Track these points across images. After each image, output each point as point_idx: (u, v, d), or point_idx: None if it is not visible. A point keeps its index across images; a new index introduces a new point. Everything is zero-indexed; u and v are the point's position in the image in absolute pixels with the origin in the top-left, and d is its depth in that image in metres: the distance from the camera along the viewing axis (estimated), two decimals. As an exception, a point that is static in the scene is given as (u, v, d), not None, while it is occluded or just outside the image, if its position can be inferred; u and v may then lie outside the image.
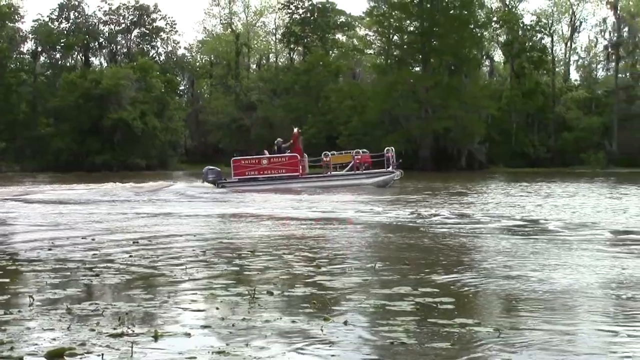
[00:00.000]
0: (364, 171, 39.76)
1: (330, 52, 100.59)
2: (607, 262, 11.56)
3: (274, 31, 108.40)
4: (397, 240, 15.04)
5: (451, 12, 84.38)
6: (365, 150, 42.39)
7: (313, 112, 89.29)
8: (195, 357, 6.10)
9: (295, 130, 41.96)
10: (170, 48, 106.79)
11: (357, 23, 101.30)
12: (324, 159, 41.42)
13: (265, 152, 40.83)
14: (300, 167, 38.93)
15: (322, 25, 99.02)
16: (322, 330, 7.01)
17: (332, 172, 39.88)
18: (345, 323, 7.28)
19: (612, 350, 6.35)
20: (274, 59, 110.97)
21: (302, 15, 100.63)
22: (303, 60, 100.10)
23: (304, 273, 10.39)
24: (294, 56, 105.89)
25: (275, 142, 40.77)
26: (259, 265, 11.18)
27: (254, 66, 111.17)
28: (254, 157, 41.61)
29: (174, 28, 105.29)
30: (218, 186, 37.52)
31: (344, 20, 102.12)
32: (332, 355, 6.17)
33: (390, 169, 39.67)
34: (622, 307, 8.26)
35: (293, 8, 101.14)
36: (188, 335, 6.87)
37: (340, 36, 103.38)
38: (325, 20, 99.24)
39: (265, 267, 11.00)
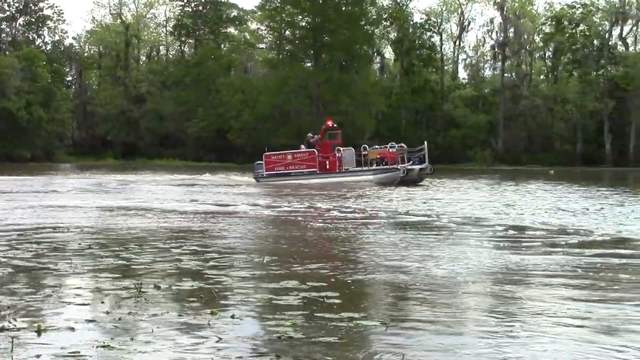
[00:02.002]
0: (372, 167, 39.28)
1: (222, 45, 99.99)
2: (491, 255, 11.84)
3: (164, 23, 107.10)
4: (286, 234, 15.07)
5: (343, 8, 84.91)
6: (402, 144, 42.40)
7: (204, 105, 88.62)
8: (79, 352, 5.97)
9: (330, 123, 42.10)
10: (57, 38, 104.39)
11: (249, 17, 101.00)
12: (363, 152, 40.80)
13: (302, 146, 41.64)
14: (328, 162, 39.53)
15: (214, 19, 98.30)
16: (209, 324, 6.96)
17: (354, 167, 39.82)
18: (233, 317, 7.25)
19: (497, 346, 6.48)
20: (165, 51, 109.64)
21: (193, 8, 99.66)
22: (194, 53, 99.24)
23: (192, 267, 10.31)
24: (185, 49, 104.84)
25: (307, 136, 42.06)
26: (147, 258, 11.03)
27: (144, 58, 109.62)
28: (281, 152, 42.26)
29: (62, 17, 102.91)
30: (257, 180, 40.01)
31: (236, 14, 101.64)
32: (219, 349, 6.14)
33: (396, 165, 38.67)
34: (501, 297, 8.47)
35: (185, 1, 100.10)
36: (72, 329, 6.72)
37: (232, 30, 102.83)
38: (217, 13, 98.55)
39: (152, 260, 10.87)
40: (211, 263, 10.65)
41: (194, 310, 7.58)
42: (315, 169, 39.09)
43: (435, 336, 6.66)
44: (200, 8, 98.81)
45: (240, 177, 43.07)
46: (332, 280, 9.40)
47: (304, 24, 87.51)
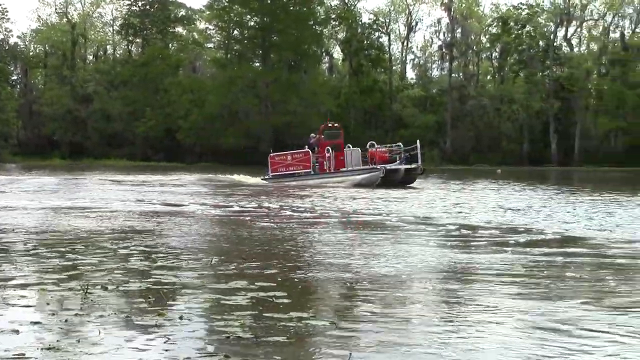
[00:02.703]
0: (357, 168, 37.80)
1: (170, 45, 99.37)
2: (438, 253, 11.93)
3: (111, 22, 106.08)
4: (235, 234, 15.01)
5: (291, 8, 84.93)
6: (399, 144, 40.07)
7: (152, 105, 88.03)
8: (24, 354, 5.89)
9: (332, 124, 40.89)
10: (1, 36, 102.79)
11: (197, 16, 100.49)
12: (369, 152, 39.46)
13: (306, 146, 40.22)
14: (329, 162, 38.16)
15: (162, 18, 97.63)
16: (157, 325, 6.92)
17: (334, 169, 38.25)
18: (181, 318, 7.21)
19: (443, 344, 6.53)
20: (112, 51, 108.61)
21: (140, 7, 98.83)
22: (142, 52, 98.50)
23: (140, 267, 10.23)
24: (132, 48, 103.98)
25: (309, 136, 40.99)
26: (93, 259, 10.92)
27: (91, 57, 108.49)
28: (283, 153, 41.27)
29: (6, 15, 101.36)
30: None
31: (184, 14, 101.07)
32: (167, 350, 6.10)
33: (376, 165, 36.73)
34: (447, 295, 8.53)
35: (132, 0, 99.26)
36: (16, 332, 6.63)
37: (180, 29, 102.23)
38: (164, 13, 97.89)
39: (99, 261, 10.76)
40: (159, 263, 10.58)
41: (142, 311, 7.52)
42: (310, 170, 38.17)
43: (383, 335, 6.68)
44: (148, 7, 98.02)
45: (251, 179, 41.85)
46: (281, 279, 9.40)
47: (252, 23, 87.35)
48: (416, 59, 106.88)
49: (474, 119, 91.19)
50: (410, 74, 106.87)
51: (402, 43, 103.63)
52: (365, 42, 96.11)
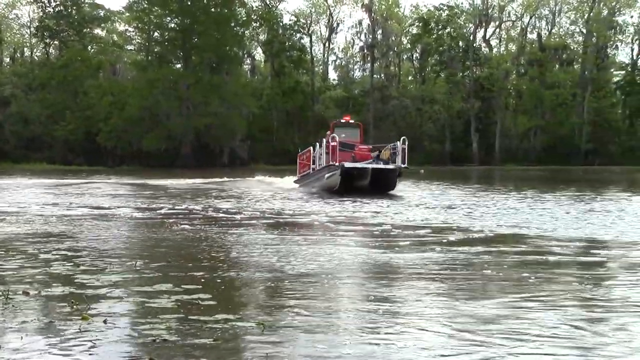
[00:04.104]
0: (321, 167, 32.22)
1: (89, 47, 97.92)
2: (365, 253, 11.98)
3: (28, 24, 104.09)
4: (160, 236, 14.85)
5: (212, 10, 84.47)
6: (395, 144, 32.83)
7: (71, 108, 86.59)
8: (-58, 363, 5.75)
9: (347, 120, 36.84)
10: None
11: (116, 18, 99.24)
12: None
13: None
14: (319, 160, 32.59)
15: (78, 20, 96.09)
16: (80, 329, 6.80)
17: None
18: (105, 322, 7.10)
19: (366, 343, 6.55)
20: (30, 53, 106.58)
21: (54, 9, 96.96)
22: (60, 55, 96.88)
23: (62, 272, 10.04)
24: (50, 51, 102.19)
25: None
26: (14, 264, 10.69)
27: (8, 60, 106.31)
28: (304, 151, 36.84)
29: None
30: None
31: (102, 15, 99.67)
32: (92, 355, 6.00)
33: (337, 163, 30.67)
34: (372, 295, 8.57)
35: (45, 1, 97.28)
36: None
37: (99, 31, 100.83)
38: (81, 14, 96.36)
39: (20, 266, 10.53)
40: (82, 267, 10.41)
41: (65, 316, 7.39)
42: (310, 170, 33.86)
43: (308, 335, 6.68)
44: (62, 8, 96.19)
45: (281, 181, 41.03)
46: (205, 281, 9.34)
47: (172, 25, 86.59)
48: (338, 60, 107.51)
49: (396, 119, 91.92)
50: (332, 75, 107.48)
51: (324, 44, 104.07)
52: (286, 43, 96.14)
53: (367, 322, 7.22)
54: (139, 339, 6.51)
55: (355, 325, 7.11)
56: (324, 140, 31.90)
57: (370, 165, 30.27)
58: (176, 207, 22.65)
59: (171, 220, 18.29)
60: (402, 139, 31.27)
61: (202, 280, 9.43)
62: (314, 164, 33.13)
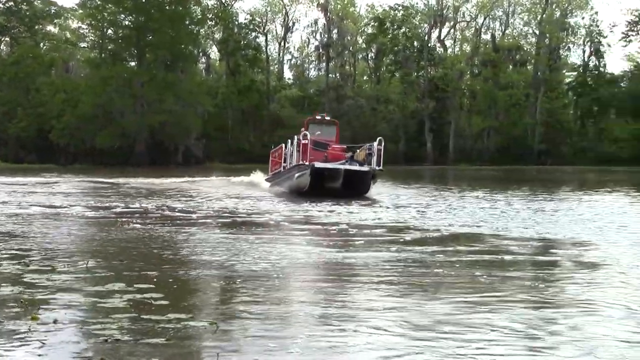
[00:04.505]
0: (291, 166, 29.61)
1: (42, 44, 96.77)
2: (319, 251, 11.98)
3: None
4: (111, 235, 14.71)
5: (167, 7, 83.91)
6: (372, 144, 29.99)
7: (23, 105, 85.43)
8: None
9: (322, 116, 34.08)
10: None
11: (69, 15, 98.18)
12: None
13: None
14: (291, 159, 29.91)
15: (30, 16, 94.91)
16: (30, 330, 6.70)
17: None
18: (55, 322, 7.01)
19: (318, 341, 6.54)
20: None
21: (5, 5, 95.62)
22: (11, 52, 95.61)
23: (12, 271, 9.90)
24: (1, 47, 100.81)
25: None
26: (-38, 264, 10.52)
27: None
28: (276, 148, 34.20)
29: None
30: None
31: (54, 12, 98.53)
32: (41, 356, 5.92)
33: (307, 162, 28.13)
34: (325, 293, 8.57)
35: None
36: None
37: (51, 28, 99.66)
38: (32, 10, 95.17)
39: (-31, 266, 10.37)
40: (32, 267, 10.27)
41: (14, 316, 7.28)
42: (280, 169, 31.34)
43: (260, 333, 6.66)
44: (12, 4, 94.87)
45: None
46: (158, 280, 9.27)
47: (127, 23, 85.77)
48: (293, 59, 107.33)
49: (351, 118, 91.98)
50: (288, 74, 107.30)
51: (279, 43, 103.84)
52: (242, 42, 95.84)
53: (320, 321, 7.21)
54: (90, 339, 6.44)
55: (307, 324, 7.10)
56: (296, 137, 29.96)
57: (342, 167, 27.94)
58: (130, 206, 22.46)
59: (124, 219, 18.13)
60: (378, 139, 29.30)
61: (155, 279, 9.36)
62: (285, 162, 30.78)
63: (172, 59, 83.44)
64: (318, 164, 27.56)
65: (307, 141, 28.74)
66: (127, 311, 7.49)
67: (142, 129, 78.61)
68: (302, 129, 31.36)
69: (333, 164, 28.34)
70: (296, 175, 28.60)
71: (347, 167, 27.94)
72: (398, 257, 11.57)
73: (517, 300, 8.37)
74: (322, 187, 27.56)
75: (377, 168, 28.44)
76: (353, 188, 27.49)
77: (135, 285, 8.78)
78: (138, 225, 16.48)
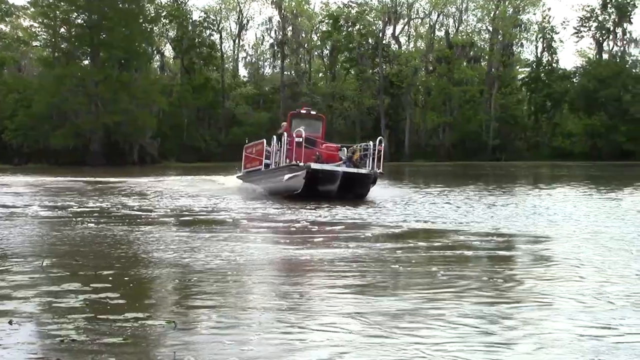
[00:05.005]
0: (282, 166, 26.53)
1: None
2: (274, 248, 11.98)
3: None
4: (67, 235, 14.56)
5: (120, 5, 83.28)
6: (368, 143, 27.21)
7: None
8: None
9: (308, 110, 31.09)
10: None
11: (21, 13, 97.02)
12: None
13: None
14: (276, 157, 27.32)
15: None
16: (-16, 331, 6.63)
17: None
18: (11, 322, 6.94)
19: (277, 339, 6.54)
20: None
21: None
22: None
23: (-35, 273, 9.78)
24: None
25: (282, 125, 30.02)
26: None
27: None
28: (254, 143, 31.07)
29: None
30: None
31: (5, 10, 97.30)
32: (-3, 357, 5.85)
33: (302, 162, 25.60)
34: (283, 291, 8.57)
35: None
36: None
37: (2, 26, 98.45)
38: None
39: None
40: (-15, 268, 10.15)
41: (-33, 317, 7.19)
42: (261, 167, 28.37)
43: (218, 331, 6.65)
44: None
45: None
46: (115, 280, 9.20)
47: (80, 21, 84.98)
48: (248, 57, 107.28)
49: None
50: (243, 72, 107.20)
51: (234, 41, 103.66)
52: (196, 40, 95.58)
53: (277, 318, 7.21)
54: (46, 340, 6.38)
55: (264, 321, 7.09)
56: (282, 132, 27.86)
57: (341, 169, 25.60)
58: (85, 205, 22.26)
59: (80, 219, 17.96)
60: (378, 139, 26.75)
61: (111, 278, 9.29)
62: (267, 159, 27.97)
63: (126, 57, 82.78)
64: (315, 166, 25.28)
65: (301, 139, 26.38)
66: (83, 311, 7.43)
67: (97, 129, 77.96)
68: (283, 123, 29.27)
69: (330, 165, 26.17)
70: (287, 176, 25.67)
71: (346, 169, 25.66)
72: (357, 254, 11.60)
73: (473, 295, 8.42)
74: (314, 189, 25.09)
75: (378, 171, 26.07)
76: (350, 192, 25.24)
77: (91, 285, 8.71)
78: (93, 225, 16.33)
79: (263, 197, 25.97)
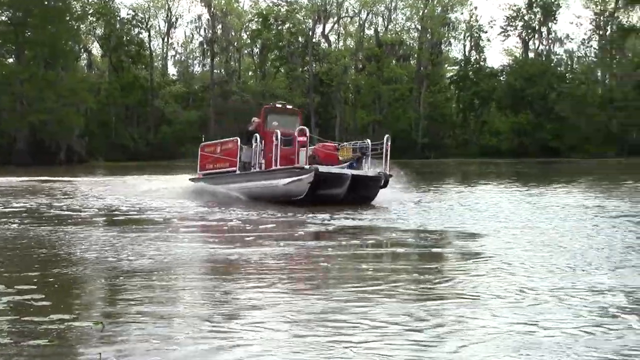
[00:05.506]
0: (282, 168, 23.58)
1: None
2: (202, 248, 11.88)
3: None
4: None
5: (46, 3, 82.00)
6: (365, 141, 24.78)
7: None
8: None
9: (283, 104, 27.81)
10: None
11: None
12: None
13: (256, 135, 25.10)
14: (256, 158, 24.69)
15: None
16: None
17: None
18: None
19: (206, 339, 6.48)
20: None
21: None
22: None
23: None
24: None
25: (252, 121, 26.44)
26: None
27: None
28: (215, 142, 28.25)
29: None
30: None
31: None
32: None
33: (304, 165, 23.20)
34: (212, 290, 8.49)
35: None
36: None
37: None
38: None
39: None
40: None
41: None
42: (235, 168, 25.39)
43: (145, 332, 6.56)
44: None
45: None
46: (39, 281, 9.01)
47: (4, 18, 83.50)
48: (177, 55, 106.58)
49: (237, 114, 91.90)
50: (172, 70, 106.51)
51: (163, 39, 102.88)
52: (124, 38, 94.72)
53: (204, 318, 7.14)
54: (-33, 344, 6.21)
55: (193, 321, 7.01)
56: (253, 129, 25.33)
57: (350, 171, 23.06)
58: (10, 205, 21.83)
59: (4, 219, 17.61)
60: (386, 137, 23.99)
61: (35, 280, 9.10)
62: (248, 160, 25.19)
63: (53, 55, 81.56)
64: (322, 168, 22.70)
65: (305, 138, 24.26)
66: (6, 313, 7.27)
67: (22, 128, 76.72)
68: (254, 119, 26.18)
69: (336, 167, 23.63)
70: (286, 180, 22.92)
71: (355, 172, 23.21)
72: (285, 252, 11.56)
73: (402, 293, 8.43)
74: (314, 194, 22.51)
75: (387, 173, 23.76)
76: (357, 197, 22.77)
77: (15, 287, 8.52)
78: (17, 225, 16.02)
79: (177, 196, 25.47)
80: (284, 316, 7.22)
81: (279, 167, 23.52)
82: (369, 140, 24.53)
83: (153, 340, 6.27)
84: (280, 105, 27.24)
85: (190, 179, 27.96)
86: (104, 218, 18.43)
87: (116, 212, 19.77)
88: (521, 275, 9.45)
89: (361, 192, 22.99)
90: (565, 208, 19.92)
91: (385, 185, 23.68)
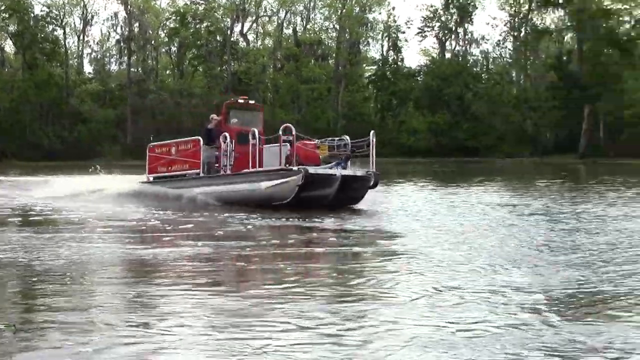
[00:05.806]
0: (267, 169, 22.00)
1: None
2: (119, 248, 11.74)
3: None
4: None
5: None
6: (343, 137, 24.08)
7: None
8: None
9: (245, 99, 26.03)
10: None
11: None
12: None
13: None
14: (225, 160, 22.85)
15: None
16: None
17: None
18: None
19: (126, 341, 6.39)
20: None
21: None
22: None
23: None
24: None
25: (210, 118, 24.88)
26: None
27: None
28: (166, 143, 26.08)
29: None
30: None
31: None
32: None
33: (291, 166, 21.43)
34: (131, 292, 8.37)
35: None
36: None
37: None
38: None
39: None
40: None
41: None
42: (198, 170, 23.59)
43: (61, 334, 6.43)
44: None
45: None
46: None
47: None
48: (94, 53, 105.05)
49: (155, 113, 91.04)
50: (88, 69, 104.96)
51: (79, 37, 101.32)
52: (39, 35, 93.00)
53: (118, 319, 7.01)
54: None
55: (106, 323, 6.89)
56: (212, 127, 24.00)
57: (338, 172, 21.58)
58: None
59: None
60: (371, 132, 23.01)
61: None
62: (217, 162, 23.42)
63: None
64: (312, 169, 21.10)
65: (292, 137, 22.98)
66: None
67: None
68: (213, 116, 24.64)
69: (323, 168, 22.05)
70: (269, 184, 21.28)
71: (345, 172, 21.84)
72: (202, 252, 11.45)
73: (321, 293, 8.40)
74: (306, 196, 20.77)
75: (377, 172, 22.64)
76: (344, 198, 21.52)
77: None
78: None
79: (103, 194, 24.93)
80: (199, 317, 7.13)
81: (257, 168, 21.91)
82: (347, 137, 23.44)
83: (68, 343, 6.13)
84: (242, 101, 25.57)
85: (143, 182, 25.91)
86: (22, 218, 18.03)
87: (35, 213, 19.37)
88: (442, 274, 9.51)
89: (349, 194, 21.72)
90: (482, 207, 20.23)
91: (374, 186, 22.52)
